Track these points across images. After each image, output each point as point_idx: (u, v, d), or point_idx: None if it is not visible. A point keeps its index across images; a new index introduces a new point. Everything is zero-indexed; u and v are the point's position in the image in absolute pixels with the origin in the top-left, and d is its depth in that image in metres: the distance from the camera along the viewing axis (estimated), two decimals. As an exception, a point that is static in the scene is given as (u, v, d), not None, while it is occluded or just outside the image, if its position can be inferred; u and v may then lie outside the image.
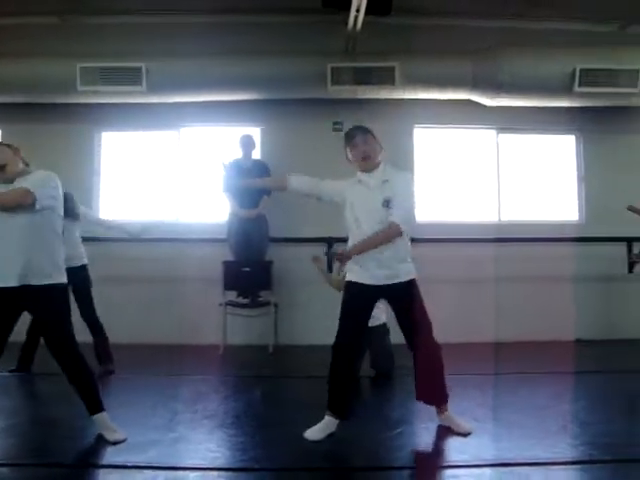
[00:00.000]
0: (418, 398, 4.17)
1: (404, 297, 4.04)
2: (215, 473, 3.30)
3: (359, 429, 4.12)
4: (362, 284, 4.06)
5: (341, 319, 4.09)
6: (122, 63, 7.39)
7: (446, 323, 7.40)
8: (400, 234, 3.96)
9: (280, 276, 7.57)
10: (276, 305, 7.36)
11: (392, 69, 7.51)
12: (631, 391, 5.35)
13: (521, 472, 3.16)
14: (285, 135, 8.13)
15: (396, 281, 4.02)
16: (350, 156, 4.19)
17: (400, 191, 4.03)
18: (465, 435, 3.86)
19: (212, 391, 5.33)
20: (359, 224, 4.06)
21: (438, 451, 3.68)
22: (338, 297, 4.13)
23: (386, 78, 7.56)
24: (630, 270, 8.31)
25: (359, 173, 4.17)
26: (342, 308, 4.12)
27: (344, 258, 4.09)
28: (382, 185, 4.06)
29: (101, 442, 3.78)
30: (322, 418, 3.98)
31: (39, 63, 7.47)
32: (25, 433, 4.06)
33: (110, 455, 3.54)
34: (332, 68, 7.48)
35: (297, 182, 4.34)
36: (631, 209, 7.04)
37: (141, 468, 3.32)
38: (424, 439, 3.89)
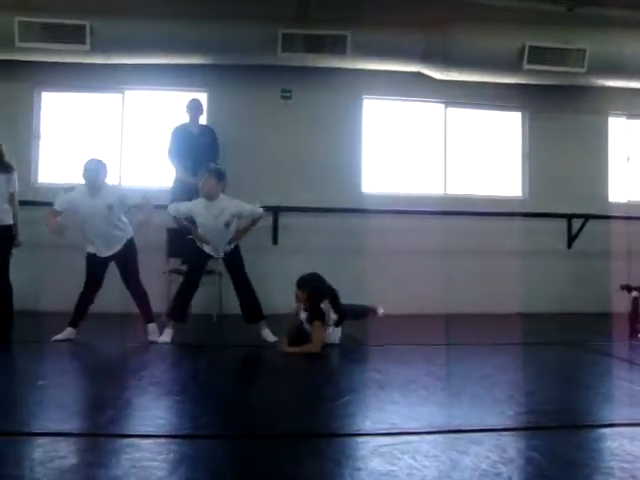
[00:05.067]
0: None
1: None
2: (164, 440, 3.20)
3: (307, 397, 4.11)
4: None
5: None
6: (65, 20, 7.05)
7: (392, 294, 7.54)
8: None
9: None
10: (220, 274, 7.22)
11: (344, 38, 7.41)
12: (566, 361, 5.57)
13: (474, 438, 3.18)
14: (232, 101, 7.99)
15: None
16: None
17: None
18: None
19: (157, 359, 5.22)
20: None
21: (388, 418, 3.66)
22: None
23: (338, 47, 7.47)
24: (569, 246, 8.54)
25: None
26: None
27: None
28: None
29: (45, 409, 3.65)
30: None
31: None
32: None
33: (56, 422, 3.39)
34: (283, 34, 7.34)
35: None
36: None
37: (90, 436, 3.21)
38: (374, 406, 3.88)
